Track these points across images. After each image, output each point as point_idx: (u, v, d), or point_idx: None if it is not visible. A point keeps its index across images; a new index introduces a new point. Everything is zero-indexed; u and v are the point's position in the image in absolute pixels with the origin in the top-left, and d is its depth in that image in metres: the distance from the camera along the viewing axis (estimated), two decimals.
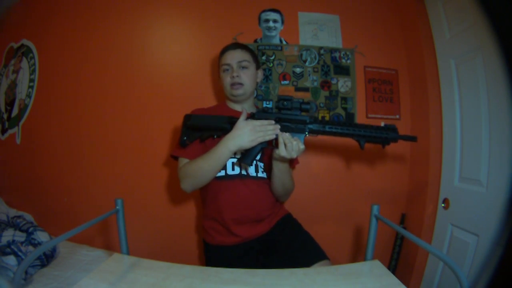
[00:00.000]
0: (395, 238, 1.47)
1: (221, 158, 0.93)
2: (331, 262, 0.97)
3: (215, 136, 0.99)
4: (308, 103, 0.92)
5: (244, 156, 0.95)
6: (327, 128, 0.89)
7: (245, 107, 1.11)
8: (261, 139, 0.90)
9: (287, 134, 0.89)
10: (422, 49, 1.40)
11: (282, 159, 0.93)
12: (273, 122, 0.92)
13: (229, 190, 1.02)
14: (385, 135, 0.86)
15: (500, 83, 1.01)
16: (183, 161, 1.03)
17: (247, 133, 0.90)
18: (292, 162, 1.10)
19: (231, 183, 1.02)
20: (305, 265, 0.93)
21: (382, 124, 1.46)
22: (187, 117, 1.01)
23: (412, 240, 0.72)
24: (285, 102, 0.92)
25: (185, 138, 0.99)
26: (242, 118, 0.93)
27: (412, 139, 0.89)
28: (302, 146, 0.87)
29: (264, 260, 1.03)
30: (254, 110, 1.09)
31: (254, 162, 1.03)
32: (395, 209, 1.50)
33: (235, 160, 1.02)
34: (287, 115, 0.92)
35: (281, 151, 0.87)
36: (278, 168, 0.97)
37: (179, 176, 1.01)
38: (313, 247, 1.01)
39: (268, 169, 1.06)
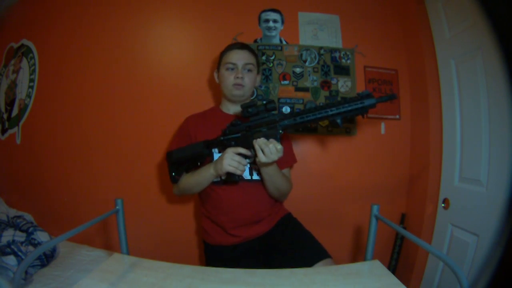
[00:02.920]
0: (395, 238, 1.47)
1: (205, 180, 0.99)
2: (334, 260, 0.98)
3: (199, 163, 1.02)
4: (272, 101, 0.90)
5: (229, 174, 0.94)
6: (298, 120, 0.86)
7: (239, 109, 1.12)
8: (232, 170, 0.90)
9: (261, 140, 0.87)
10: (422, 49, 1.40)
11: (267, 164, 0.92)
12: (249, 153, 0.92)
13: (225, 194, 1.02)
14: (361, 105, 0.79)
15: (500, 83, 1.01)
16: None
17: (224, 162, 0.91)
18: (281, 164, 1.07)
19: (227, 187, 1.02)
20: (307, 264, 0.92)
21: (383, 125, 1.49)
22: (169, 154, 1.05)
23: (412, 240, 0.72)
24: (249, 109, 0.91)
25: (173, 174, 1.04)
26: (232, 148, 0.93)
27: (391, 97, 0.80)
28: (279, 146, 0.86)
29: (266, 260, 1.03)
30: None
31: (248, 166, 1.03)
32: (395, 209, 1.50)
33: None
34: (256, 121, 0.91)
35: (261, 157, 0.86)
36: (266, 173, 0.97)
37: (172, 183, 1.07)
38: (315, 246, 1.02)
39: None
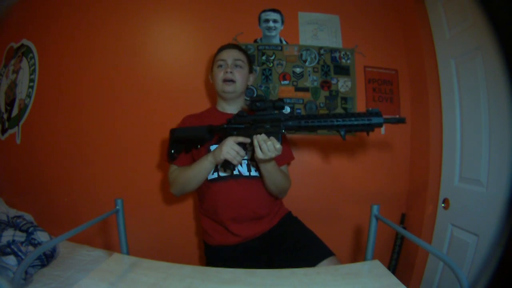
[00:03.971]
0: (395, 238, 1.47)
1: (202, 169, 0.97)
2: (338, 258, 0.98)
3: (199, 146, 1.02)
4: (281, 100, 0.90)
5: (225, 162, 0.94)
6: (302, 123, 0.85)
7: (234, 107, 1.13)
8: (229, 158, 0.91)
9: (261, 136, 0.87)
10: (422, 49, 1.40)
11: (263, 161, 0.92)
12: (249, 140, 0.92)
13: (223, 191, 1.02)
14: (367, 122, 0.77)
15: (500, 83, 1.01)
16: (172, 167, 1.09)
17: (223, 149, 0.91)
18: (279, 161, 1.07)
19: (225, 184, 1.02)
20: (312, 263, 0.93)
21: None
22: (172, 131, 1.06)
23: (412, 240, 0.72)
24: (257, 103, 0.91)
25: (172, 151, 1.04)
26: (232, 137, 0.93)
27: (400, 121, 0.79)
28: (277, 145, 0.85)
29: (268, 260, 1.03)
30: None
31: (246, 161, 1.05)
32: (395, 209, 1.50)
33: None
34: (262, 116, 0.92)
35: (258, 153, 0.87)
36: (264, 169, 0.97)
37: (169, 181, 1.07)
38: (319, 245, 1.02)
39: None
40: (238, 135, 0.94)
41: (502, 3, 0.45)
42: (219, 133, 1.00)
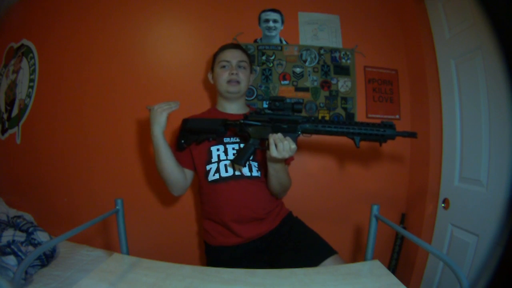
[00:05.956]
0: (395, 238, 1.47)
1: (158, 149, 0.96)
2: (340, 256, 0.98)
3: (210, 139, 1.01)
4: (300, 103, 0.92)
5: (237, 157, 0.95)
6: (319, 127, 0.88)
7: (236, 107, 1.14)
8: (168, 111, 0.93)
9: (277, 135, 0.88)
10: (422, 49, 1.40)
11: (276, 160, 0.93)
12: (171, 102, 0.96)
13: (225, 192, 1.02)
14: (382, 133, 0.82)
15: (500, 83, 1.01)
16: None
17: (155, 115, 0.93)
18: (286, 160, 1.09)
19: (226, 185, 1.02)
20: (315, 262, 0.93)
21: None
22: (185, 121, 1.06)
23: (412, 240, 0.72)
24: (276, 103, 0.92)
25: (182, 141, 1.03)
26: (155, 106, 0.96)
27: (412, 135, 0.83)
28: (293, 146, 0.86)
29: (271, 260, 1.03)
30: (245, 110, 1.12)
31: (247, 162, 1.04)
32: (395, 209, 1.50)
33: (228, 162, 1.03)
34: (280, 116, 0.93)
35: (272, 151, 0.87)
36: (273, 168, 0.97)
37: None
38: (322, 243, 1.02)
39: (262, 168, 1.06)
40: (254, 132, 0.95)
41: (502, 3, 0.45)
42: (234, 128, 1.00)
